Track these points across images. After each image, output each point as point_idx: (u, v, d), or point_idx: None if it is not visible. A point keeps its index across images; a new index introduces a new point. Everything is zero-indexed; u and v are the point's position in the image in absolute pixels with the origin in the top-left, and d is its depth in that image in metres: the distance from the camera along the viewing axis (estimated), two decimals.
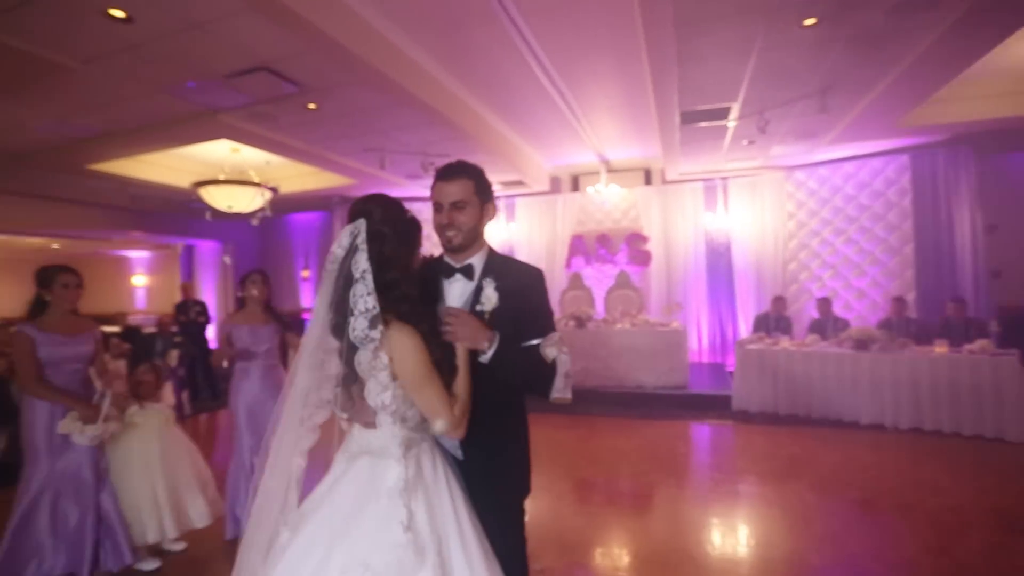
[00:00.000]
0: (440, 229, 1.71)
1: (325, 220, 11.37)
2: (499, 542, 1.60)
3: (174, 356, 6.26)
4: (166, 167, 7.63)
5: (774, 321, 6.80)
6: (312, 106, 5.38)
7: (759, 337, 6.42)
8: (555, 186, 9.53)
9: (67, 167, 7.01)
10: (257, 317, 3.52)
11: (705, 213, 8.59)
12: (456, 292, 1.72)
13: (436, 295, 1.74)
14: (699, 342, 8.67)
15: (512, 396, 1.76)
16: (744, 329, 8.21)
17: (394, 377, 1.45)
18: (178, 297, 9.25)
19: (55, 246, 12.58)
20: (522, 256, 9.53)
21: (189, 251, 13.01)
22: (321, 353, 1.51)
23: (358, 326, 1.41)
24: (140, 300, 14.78)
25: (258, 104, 5.21)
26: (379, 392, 1.44)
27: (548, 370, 1.65)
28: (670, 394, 6.58)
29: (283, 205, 10.31)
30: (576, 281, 8.90)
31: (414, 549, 1.37)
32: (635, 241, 8.92)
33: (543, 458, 4.92)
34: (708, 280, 8.67)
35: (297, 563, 1.40)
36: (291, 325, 3.71)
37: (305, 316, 11.53)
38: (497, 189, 9.38)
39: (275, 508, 1.49)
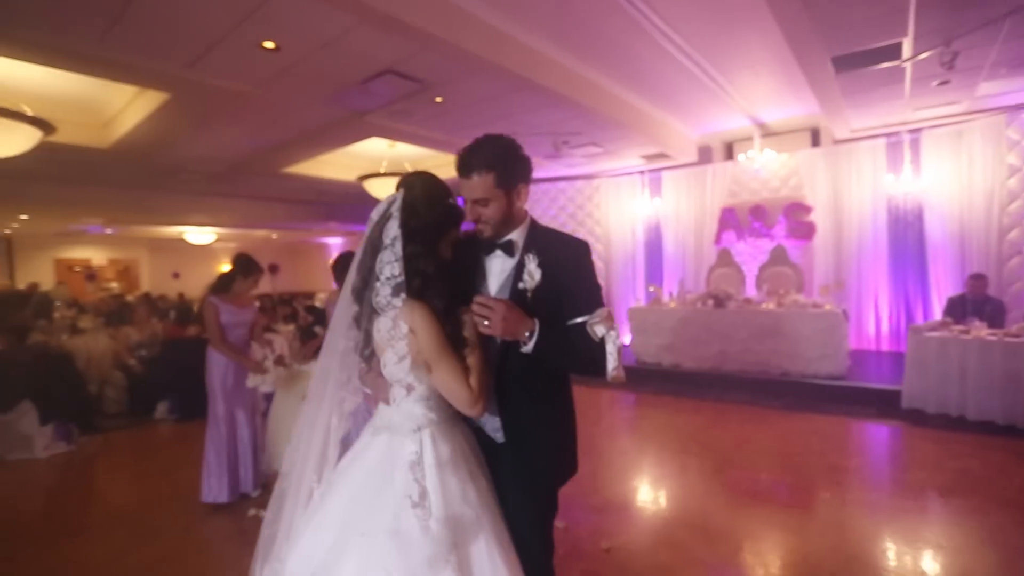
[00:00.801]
0: (471, 222, 1.63)
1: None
2: (529, 528, 1.57)
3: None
4: (340, 165, 8.86)
5: (971, 304, 5.51)
6: (439, 99, 5.79)
7: (944, 323, 5.28)
8: (705, 156, 8.83)
9: (267, 171, 8.57)
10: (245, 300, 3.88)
11: (887, 176, 7.21)
12: (496, 268, 1.64)
13: (476, 272, 1.67)
14: (876, 327, 7.40)
15: (555, 376, 1.66)
16: (939, 313, 6.77)
17: (410, 350, 1.44)
18: None
19: (274, 236, 15.46)
20: (669, 233, 9.09)
21: None
22: (348, 319, 1.54)
23: (382, 292, 1.42)
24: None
25: (393, 103, 5.79)
26: (395, 363, 1.43)
27: (598, 349, 1.51)
28: (821, 384, 5.79)
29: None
30: (725, 257, 8.21)
31: (421, 526, 1.35)
32: (796, 212, 7.88)
33: (660, 443, 4.79)
34: (891, 255, 7.30)
35: (318, 535, 1.45)
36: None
37: None
38: (639, 164, 9.18)
39: (311, 463, 1.53)
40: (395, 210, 1.47)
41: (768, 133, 8.01)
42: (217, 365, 3.72)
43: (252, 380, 3.71)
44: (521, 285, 1.57)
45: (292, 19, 3.94)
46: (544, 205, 10.09)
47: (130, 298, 10.43)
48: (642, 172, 9.31)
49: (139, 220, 11.46)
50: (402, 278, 1.42)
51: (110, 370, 6.10)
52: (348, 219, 12.45)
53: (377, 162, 8.71)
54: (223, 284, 3.77)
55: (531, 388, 1.59)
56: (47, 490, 4.27)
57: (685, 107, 7.25)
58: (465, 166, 1.57)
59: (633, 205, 9.41)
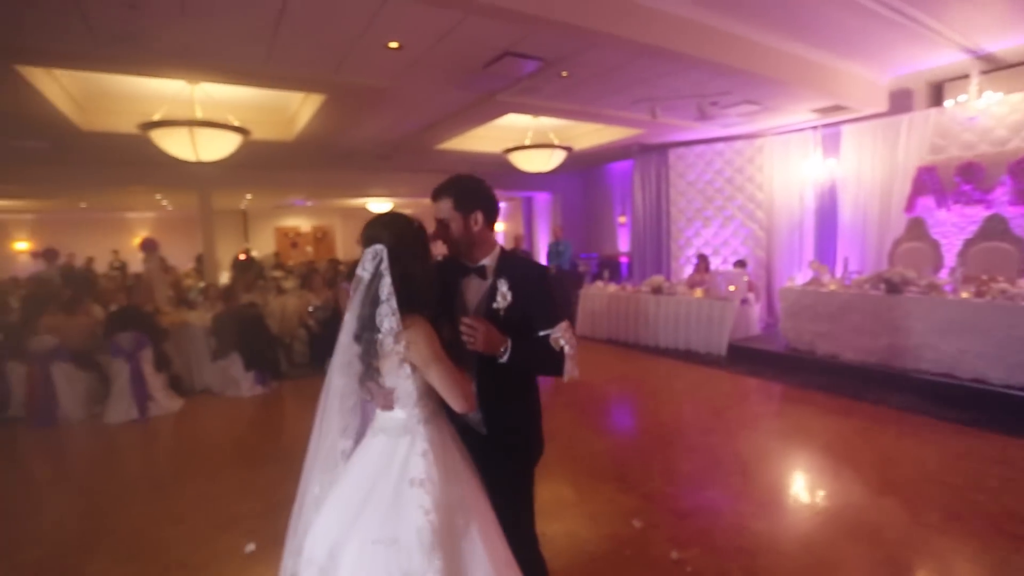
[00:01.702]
0: (434, 240, 1.90)
1: (630, 168, 11.68)
2: (512, 505, 1.83)
3: None
4: (489, 138, 9.22)
5: None
6: (564, 74, 5.68)
7: None
8: (900, 103, 7.28)
9: (423, 149, 9.30)
10: None
11: None
12: (472, 289, 1.92)
13: (454, 291, 1.93)
14: None
15: (525, 378, 1.96)
16: None
17: (408, 360, 1.64)
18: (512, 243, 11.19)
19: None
20: (847, 198, 7.82)
21: (528, 202, 15.39)
22: (350, 355, 1.74)
23: (385, 343, 1.62)
24: (501, 241, 18.48)
25: (519, 81, 5.84)
26: (395, 370, 1.64)
27: (558, 357, 1.84)
28: None
29: (594, 157, 11.10)
30: (916, 229, 6.82)
31: (431, 529, 1.53)
32: None
33: (788, 446, 4.35)
34: None
35: (323, 529, 1.63)
36: None
37: (622, 259, 12.38)
38: (810, 119, 7.90)
39: (318, 466, 1.75)
40: (383, 269, 1.64)
41: (994, 67, 6.29)
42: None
43: None
44: (495, 305, 1.85)
45: (406, 21, 4.20)
46: (698, 170, 9.35)
47: (319, 264, 12.44)
48: (814, 128, 8.04)
49: (330, 194, 13.41)
50: (399, 328, 1.60)
51: (296, 327, 7.42)
52: (507, 186, 12.98)
53: (523, 133, 8.87)
54: None
55: (506, 388, 1.89)
56: (247, 422, 5.48)
57: (867, 50, 6.05)
58: (434, 192, 1.91)
59: (802, 167, 8.22)
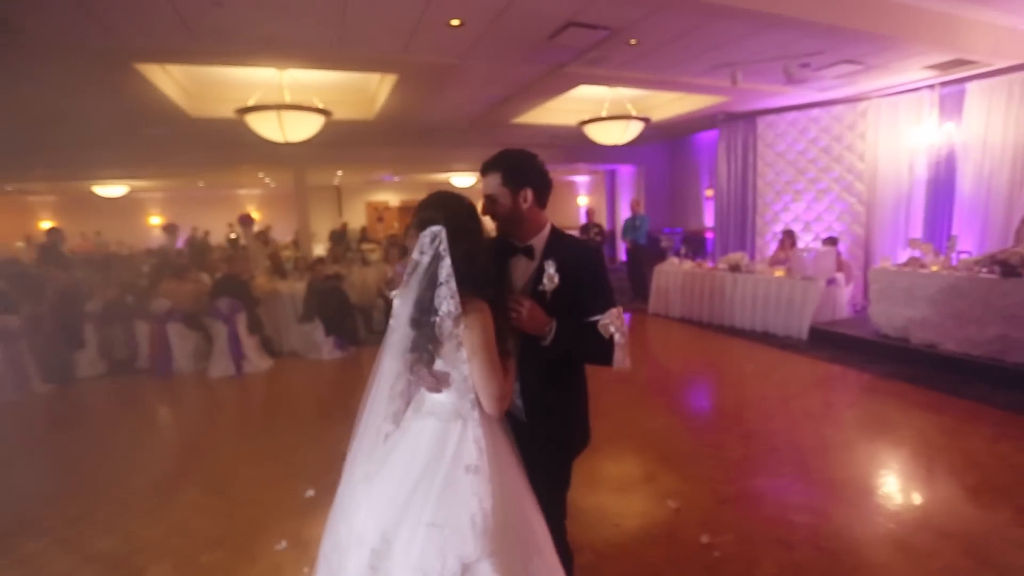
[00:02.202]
0: (488, 217, 1.86)
1: (716, 138, 11.04)
2: (549, 493, 1.78)
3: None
4: (566, 110, 9.09)
5: None
6: (632, 42, 5.46)
7: None
8: None
9: (500, 123, 9.36)
10: None
11: None
12: (520, 270, 1.85)
13: (502, 271, 1.86)
14: None
15: (570, 365, 1.89)
16: None
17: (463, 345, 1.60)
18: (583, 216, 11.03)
19: None
20: (968, 168, 6.87)
21: (611, 175, 15.03)
22: (406, 340, 1.66)
23: (444, 326, 1.56)
24: (582, 216, 18.26)
25: (586, 52, 5.69)
26: (452, 357, 1.60)
27: (607, 345, 1.75)
28: None
29: (678, 128, 10.61)
30: None
31: (483, 515, 1.51)
32: None
33: (859, 439, 4.04)
34: None
35: (374, 512, 1.59)
36: None
37: (708, 235, 11.84)
38: (924, 77, 6.96)
39: (363, 463, 1.70)
40: (443, 250, 1.58)
41: None
42: None
43: None
44: (540, 287, 1.76)
45: None
46: (790, 139, 8.64)
47: (401, 237, 13.03)
48: (931, 87, 7.10)
49: (414, 169, 13.93)
50: (459, 311, 1.55)
51: (375, 297, 7.91)
52: (589, 159, 12.78)
53: (599, 104, 8.66)
54: None
55: (550, 375, 1.82)
56: (325, 383, 6.00)
57: None
58: (483, 166, 1.86)
59: (913, 132, 7.32)
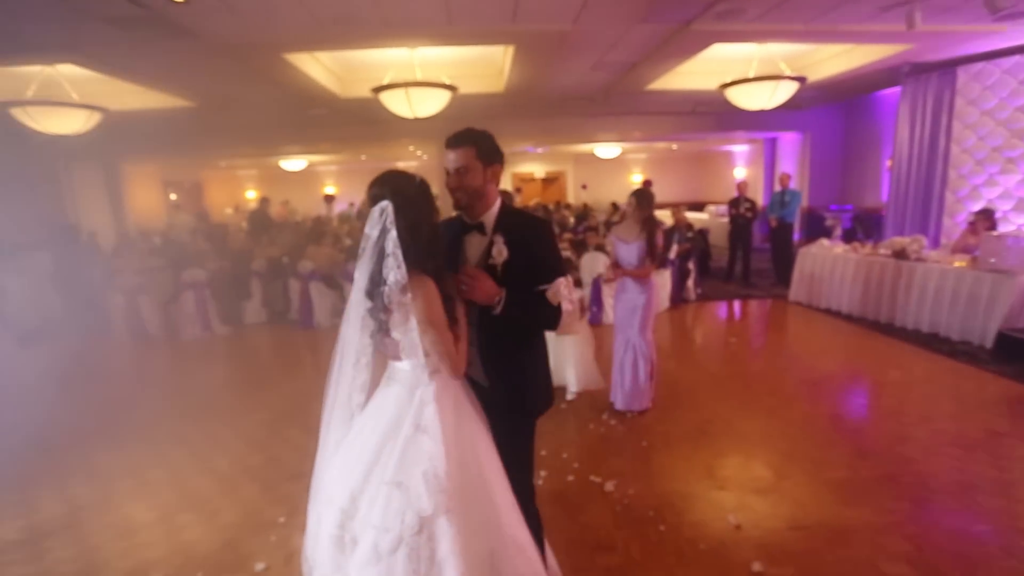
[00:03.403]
0: (449, 191, 1.92)
1: (897, 96, 9.17)
2: (513, 454, 1.88)
3: (674, 250, 7.38)
4: (703, 73, 8.27)
5: None
6: None
7: None
8: None
9: (634, 90, 8.84)
10: (631, 232, 4.05)
11: None
12: (474, 246, 1.94)
13: (457, 249, 1.98)
14: None
15: (527, 332, 1.98)
16: None
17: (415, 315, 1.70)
18: (733, 189, 10.03)
19: (674, 147, 15.76)
20: None
21: (771, 144, 13.39)
22: (362, 310, 1.77)
23: (392, 295, 1.65)
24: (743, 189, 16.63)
25: (714, 5, 5.07)
26: (402, 324, 1.70)
27: (555, 311, 1.88)
28: None
29: (853, 86, 9.02)
30: None
31: (435, 474, 1.61)
32: None
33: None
34: None
35: (343, 473, 1.72)
36: (654, 245, 4.00)
37: (883, 212, 10.07)
38: None
39: (336, 414, 1.81)
40: (389, 224, 1.68)
41: None
42: None
43: None
44: (491, 260, 1.87)
45: None
46: (1004, 92, 6.88)
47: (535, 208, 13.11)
48: None
49: (554, 140, 13.83)
50: (405, 280, 1.64)
51: None
52: (743, 126, 11.56)
53: (746, 64, 7.73)
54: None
55: (506, 342, 1.93)
56: None
57: None
58: (452, 140, 1.90)
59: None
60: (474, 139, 1.90)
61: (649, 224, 3.98)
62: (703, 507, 2.96)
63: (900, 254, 6.24)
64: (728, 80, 7.28)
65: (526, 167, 18.04)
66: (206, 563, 2.70)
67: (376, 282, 1.70)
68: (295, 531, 2.84)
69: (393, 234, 1.66)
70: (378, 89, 6.78)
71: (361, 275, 1.74)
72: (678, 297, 7.67)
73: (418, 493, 1.59)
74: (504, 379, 1.94)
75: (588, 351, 4.61)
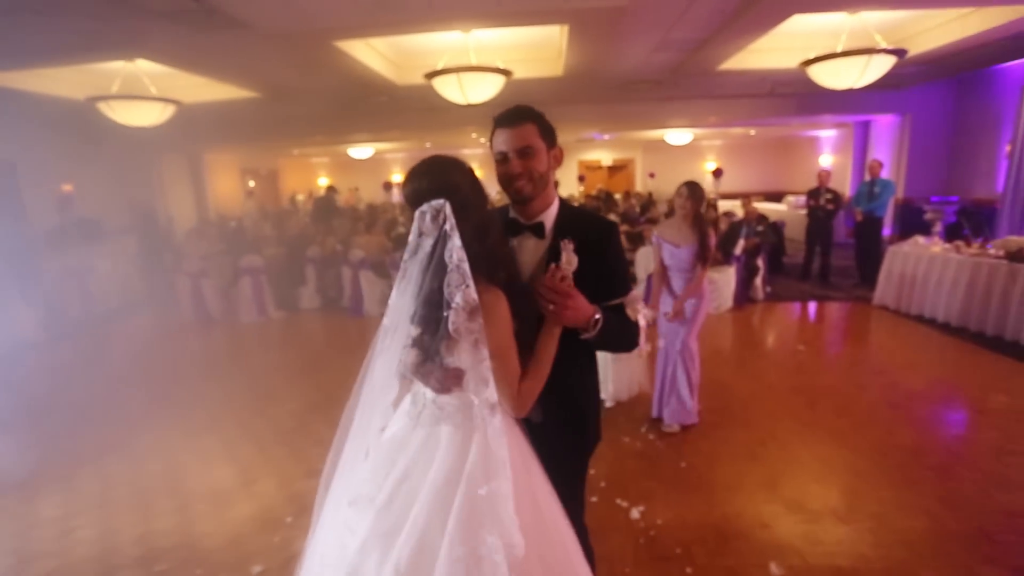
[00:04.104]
0: (507, 180, 1.55)
1: (1021, 70, 7.90)
2: (569, 497, 1.57)
3: (740, 245, 6.76)
4: (785, 50, 7.48)
5: None
6: None
7: None
8: None
9: (705, 72, 8.16)
10: (681, 233, 3.61)
11: None
12: (528, 252, 1.59)
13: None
14: None
15: (589, 356, 1.69)
16: None
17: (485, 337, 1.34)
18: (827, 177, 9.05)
19: (752, 132, 14.65)
20: None
21: (863, 128, 12.09)
22: (401, 340, 1.40)
23: (457, 320, 1.28)
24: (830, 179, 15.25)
25: None
26: (468, 356, 1.33)
27: (635, 330, 1.61)
28: None
29: (967, 59, 7.86)
30: None
31: (516, 536, 1.29)
32: None
33: None
34: None
35: (372, 543, 1.33)
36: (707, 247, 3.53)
37: (997, 206, 8.81)
38: None
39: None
40: (450, 228, 1.31)
41: None
42: None
43: None
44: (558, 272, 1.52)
45: None
46: None
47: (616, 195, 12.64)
48: None
49: (620, 127, 13.23)
50: (476, 303, 1.29)
51: None
52: (833, 109, 10.50)
53: (834, 37, 6.91)
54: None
55: (569, 365, 1.56)
56: None
57: None
58: (508, 117, 1.56)
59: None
60: (534, 115, 1.58)
61: (700, 222, 3.52)
62: (741, 549, 2.58)
63: (1016, 255, 5.33)
64: (811, 56, 6.51)
65: (592, 155, 17.49)
66: (208, 560, 2.67)
67: (432, 303, 1.32)
68: (300, 533, 2.75)
69: (456, 242, 1.29)
70: (431, 75, 6.64)
71: (402, 296, 1.35)
72: (743, 296, 7.03)
73: (494, 566, 1.25)
74: (563, 414, 1.60)
75: (635, 356, 4.23)
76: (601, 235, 1.59)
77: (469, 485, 1.30)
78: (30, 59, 6.07)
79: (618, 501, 2.94)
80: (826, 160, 14.49)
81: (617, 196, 13.35)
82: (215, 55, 6.25)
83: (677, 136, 14.49)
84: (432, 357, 1.36)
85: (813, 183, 9.16)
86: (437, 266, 1.29)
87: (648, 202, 12.60)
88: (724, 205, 11.53)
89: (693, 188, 3.56)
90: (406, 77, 8.06)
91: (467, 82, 6.59)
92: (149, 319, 7.56)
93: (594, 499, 2.97)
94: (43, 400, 4.77)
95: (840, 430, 3.70)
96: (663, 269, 3.68)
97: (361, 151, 14.79)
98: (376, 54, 7.26)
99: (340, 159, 17.54)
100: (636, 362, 4.23)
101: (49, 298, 7.25)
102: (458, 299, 1.27)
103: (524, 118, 1.55)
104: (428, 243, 1.30)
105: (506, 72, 6.57)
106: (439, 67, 6.57)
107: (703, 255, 3.47)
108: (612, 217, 9.02)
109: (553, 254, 1.52)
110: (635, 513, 2.83)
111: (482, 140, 14.64)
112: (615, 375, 4.11)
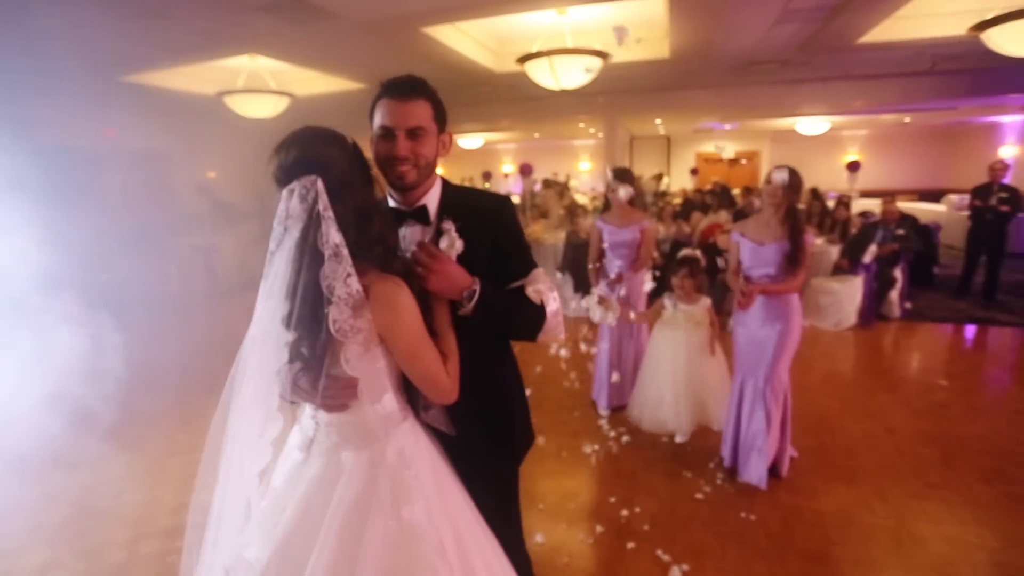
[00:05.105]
0: (388, 161, 1.35)
1: None
2: (497, 510, 1.43)
3: (871, 252, 5.68)
4: (944, 15, 6.14)
5: None
6: None
7: None
8: None
9: (843, 47, 6.97)
10: (768, 228, 3.00)
11: None
12: (412, 240, 1.41)
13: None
14: None
15: (498, 346, 1.53)
16: None
17: (379, 337, 1.18)
18: None
19: (906, 120, 12.52)
20: None
21: None
22: (272, 349, 1.19)
23: (340, 316, 1.11)
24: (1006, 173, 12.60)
25: None
26: (360, 360, 1.17)
27: (538, 313, 1.43)
28: None
29: None
30: None
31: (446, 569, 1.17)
32: None
33: None
34: None
35: None
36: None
37: None
38: None
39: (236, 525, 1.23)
40: (322, 207, 1.12)
41: None
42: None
43: (593, 312, 3.51)
44: None
45: None
46: None
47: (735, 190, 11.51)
48: None
49: (744, 115, 11.95)
50: (361, 294, 1.13)
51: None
52: (1006, 89, 8.60)
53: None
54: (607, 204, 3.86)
55: (479, 361, 1.38)
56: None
57: None
58: (403, 87, 1.36)
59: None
60: (429, 91, 1.39)
61: (794, 217, 2.87)
62: None
63: None
64: (988, 17, 5.19)
65: (712, 146, 16.12)
66: None
67: (308, 300, 1.12)
68: None
69: (332, 226, 1.10)
70: (522, 59, 6.35)
71: (272, 299, 1.15)
72: (872, 313, 5.89)
73: None
74: (480, 417, 1.43)
75: (719, 377, 3.52)
76: (492, 213, 1.46)
77: (378, 516, 1.14)
78: (163, 59, 6.74)
79: (659, 553, 2.46)
80: (1008, 152, 11.99)
81: (736, 192, 12.10)
82: (313, 47, 6.48)
83: (810, 125, 12.81)
84: (316, 368, 1.15)
85: (973, 177, 7.51)
86: (311, 255, 1.11)
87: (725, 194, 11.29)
88: (862, 204, 9.94)
89: (791, 176, 2.91)
90: (504, 64, 7.85)
91: (559, 66, 6.22)
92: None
93: (631, 545, 2.53)
94: (158, 363, 5.21)
95: (987, 502, 2.82)
96: (739, 272, 3.04)
97: (470, 141, 14.95)
98: (470, 40, 7.12)
99: (452, 150, 17.95)
100: (717, 385, 3.59)
101: (180, 271, 8.15)
102: (339, 291, 1.10)
103: (418, 92, 1.36)
104: (297, 228, 1.11)
105: (602, 54, 6.10)
106: (533, 50, 6.27)
107: (795, 257, 2.79)
108: (723, 215, 8.14)
109: (438, 239, 1.37)
110: (676, 573, 2.34)
111: (591, 129, 14.08)
112: (695, 401, 3.48)
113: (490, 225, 1.43)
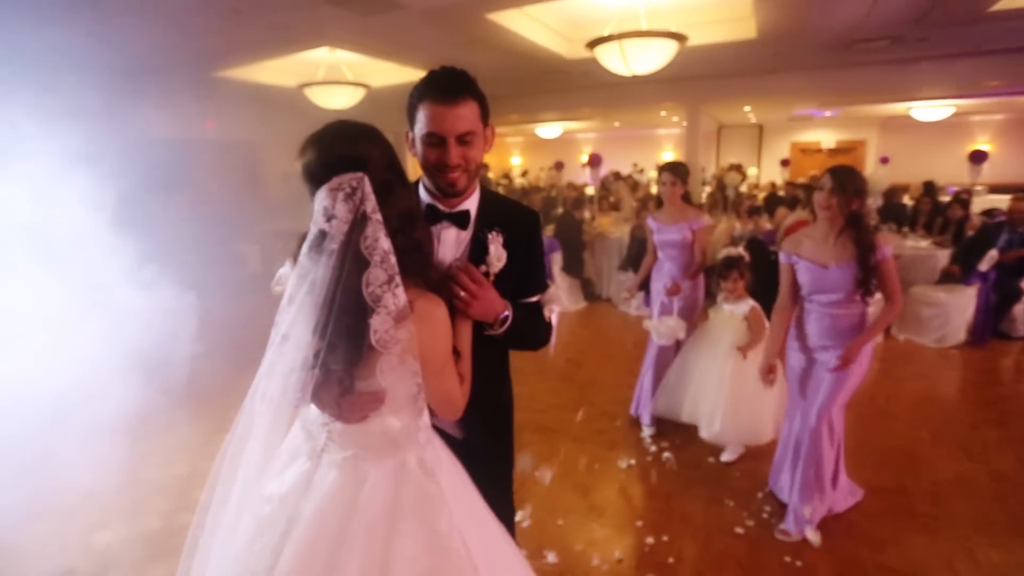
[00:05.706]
0: (440, 169, 1.28)
1: None
2: (502, 499, 1.50)
3: (989, 258, 4.86)
4: None
5: None
6: None
7: None
8: None
9: (965, 14, 6.01)
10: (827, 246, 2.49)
11: None
12: (447, 245, 1.37)
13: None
14: None
15: (502, 355, 1.55)
16: None
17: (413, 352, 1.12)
18: None
19: None
20: None
21: None
22: (298, 359, 1.09)
23: (382, 327, 1.04)
24: None
25: None
26: (394, 372, 1.10)
27: (547, 329, 1.50)
28: None
29: None
30: None
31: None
32: None
33: None
34: None
35: None
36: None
37: None
38: None
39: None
40: (369, 209, 1.03)
41: None
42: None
43: (657, 336, 3.45)
44: (483, 268, 1.34)
45: None
46: None
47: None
48: None
49: (846, 100, 10.80)
50: (406, 306, 1.06)
51: (716, 251, 6.77)
52: None
53: None
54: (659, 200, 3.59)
55: (488, 372, 1.42)
56: (610, 335, 5.62)
57: None
58: (449, 87, 1.26)
59: None
60: (476, 90, 1.30)
61: (860, 228, 2.26)
62: None
63: None
64: None
65: (810, 135, 14.76)
66: None
67: (346, 310, 1.04)
68: None
69: (380, 229, 1.03)
70: (592, 44, 6.06)
71: (305, 305, 1.05)
72: (987, 329, 5.04)
73: None
74: (488, 424, 1.47)
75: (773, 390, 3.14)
76: (526, 228, 1.44)
77: (405, 526, 1.10)
78: (244, 55, 7.12)
79: None
80: None
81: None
82: (382, 37, 6.55)
83: (928, 110, 11.32)
84: (342, 378, 1.09)
85: None
86: (353, 261, 1.03)
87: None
88: (990, 200, 8.63)
89: (843, 176, 2.28)
90: (576, 50, 7.55)
91: (630, 49, 5.86)
92: None
93: None
94: (228, 342, 5.54)
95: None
96: (794, 301, 2.52)
97: (548, 130, 14.71)
98: (539, 26, 6.90)
99: (531, 139, 17.74)
100: (769, 396, 3.15)
101: (263, 255, 8.69)
102: (388, 302, 1.03)
103: (465, 91, 1.26)
104: (341, 230, 1.02)
105: (679, 37, 5.67)
106: (605, 34, 5.96)
107: (866, 279, 2.25)
108: (810, 214, 7.40)
109: (477, 246, 1.34)
110: None
111: (674, 118, 13.36)
112: (733, 414, 3.10)
113: (522, 241, 1.41)
